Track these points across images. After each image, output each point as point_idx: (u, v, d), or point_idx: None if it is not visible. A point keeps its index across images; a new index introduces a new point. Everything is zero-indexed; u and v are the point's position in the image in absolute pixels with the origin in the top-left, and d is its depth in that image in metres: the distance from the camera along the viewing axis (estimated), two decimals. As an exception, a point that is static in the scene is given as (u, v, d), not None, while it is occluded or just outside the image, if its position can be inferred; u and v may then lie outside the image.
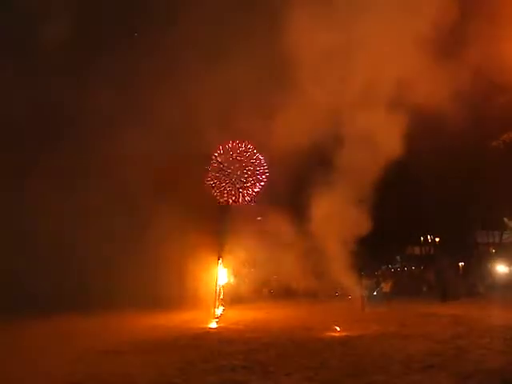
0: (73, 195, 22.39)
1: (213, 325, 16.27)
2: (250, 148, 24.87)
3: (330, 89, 18.46)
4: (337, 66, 18.60)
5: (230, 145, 24.81)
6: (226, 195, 25.10)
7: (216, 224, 23.49)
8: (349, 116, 18.88)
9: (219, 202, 24.92)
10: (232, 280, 20.83)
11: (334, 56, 18.33)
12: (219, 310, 17.80)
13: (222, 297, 18.14)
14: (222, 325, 16.27)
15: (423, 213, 29.09)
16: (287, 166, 23.05)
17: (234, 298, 20.88)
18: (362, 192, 19.39)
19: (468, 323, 14.68)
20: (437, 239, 36.19)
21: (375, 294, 22.49)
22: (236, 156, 24.96)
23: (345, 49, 18.21)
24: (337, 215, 19.44)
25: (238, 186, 25.10)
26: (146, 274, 22.01)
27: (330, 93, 18.43)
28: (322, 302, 22.43)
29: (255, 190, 25.23)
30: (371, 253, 26.85)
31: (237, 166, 25.05)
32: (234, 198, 25.16)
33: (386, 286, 23.16)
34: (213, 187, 24.99)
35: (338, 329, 13.95)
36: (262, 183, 25.19)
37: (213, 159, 24.92)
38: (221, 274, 18.20)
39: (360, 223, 19.32)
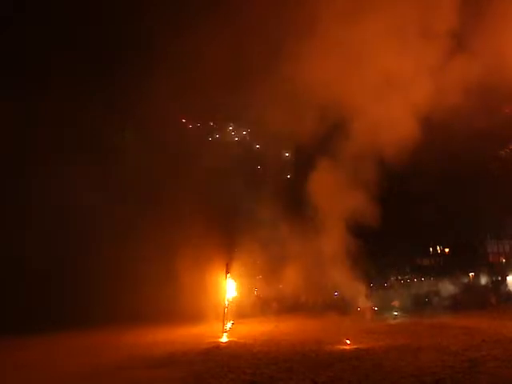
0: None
1: (222, 339, 16.17)
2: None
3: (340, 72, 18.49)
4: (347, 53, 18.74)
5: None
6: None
7: (224, 237, 23.48)
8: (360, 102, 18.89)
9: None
10: (241, 294, 20.74)
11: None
12: (228, 324, 17.71)
13: (230, 310, 18.05)
14: (231, 339, 16.17)
15: (432, 223, 28.91)
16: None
17: (242, 312, 20.76)
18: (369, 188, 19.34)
19: (480, 335, 14.48)
20: (446, 250, 35.89)
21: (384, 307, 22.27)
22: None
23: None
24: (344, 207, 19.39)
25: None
26: (155, 288, 21.99)
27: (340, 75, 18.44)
28: (330, 314, 22.21)
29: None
30: (380, 264, 26.70)
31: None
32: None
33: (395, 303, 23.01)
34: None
35: (349, 342, 13.81)
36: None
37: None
38: (229, 288, 18.12)
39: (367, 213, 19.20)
